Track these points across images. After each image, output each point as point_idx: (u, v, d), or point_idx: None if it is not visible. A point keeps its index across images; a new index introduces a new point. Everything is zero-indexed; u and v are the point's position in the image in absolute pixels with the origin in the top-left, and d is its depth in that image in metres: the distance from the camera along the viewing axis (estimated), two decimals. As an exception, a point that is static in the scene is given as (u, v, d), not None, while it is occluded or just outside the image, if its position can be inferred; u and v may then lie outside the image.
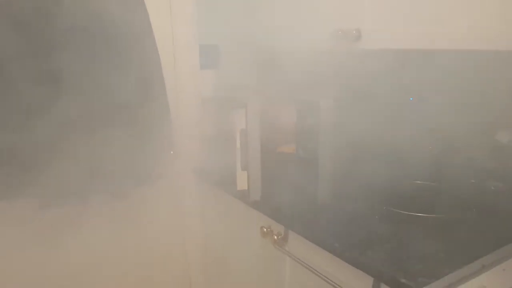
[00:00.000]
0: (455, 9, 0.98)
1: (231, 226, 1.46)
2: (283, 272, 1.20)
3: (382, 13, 1.14)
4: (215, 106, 1.55)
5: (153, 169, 1.51)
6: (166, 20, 1.55)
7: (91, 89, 1.33)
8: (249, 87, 1.40)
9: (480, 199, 1.10)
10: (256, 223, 1.25)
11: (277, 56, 1.38)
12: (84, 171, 1.35)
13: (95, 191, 1.41)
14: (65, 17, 1.24)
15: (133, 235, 1.57)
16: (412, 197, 1.16)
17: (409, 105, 1.25)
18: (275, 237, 1.18)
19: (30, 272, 1.39)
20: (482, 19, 0.94)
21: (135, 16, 1.39)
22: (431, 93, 1.23)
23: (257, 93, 1.34)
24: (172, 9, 1.56)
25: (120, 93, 1.36)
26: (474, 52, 1.06)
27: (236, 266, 1.45)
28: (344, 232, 1.03)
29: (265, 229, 1.21)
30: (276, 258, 1.21)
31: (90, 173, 1.35)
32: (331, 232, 1.04)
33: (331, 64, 1.27)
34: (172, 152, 1.55)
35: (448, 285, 0.83)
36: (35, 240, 1.38)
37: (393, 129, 1.23)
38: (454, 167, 1.19)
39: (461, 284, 0.84)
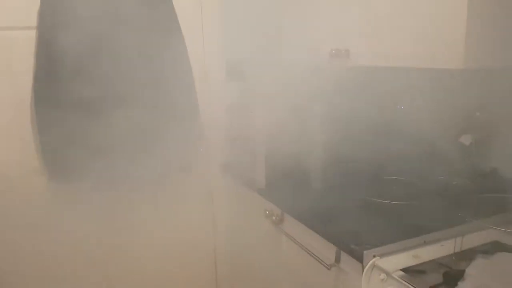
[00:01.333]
0: (423, 33, 1.20)
1: (246, 210, 1.76)
2: (281, 246, 1.48)
3: (366, 37, 1.38)
4: (237, 111, 1.86)
5: (186, 162, 1.85)
6: (199, 39, 1.89)
7: (139, 96, 1.69)
8: (262, 96, 1.70)
9: (441, 191, 1.31)
10: (262, 207, 1.54)
11: (286, 69, 1.67)
12: (131, 163, 1.71)
13: (139, 180, 1.77)
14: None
15: (170, 217, 1.92)
16: (387, 189, 1.40)
17: (390, 113, 1.48)
18: (274, 218, 1.47)
19: (84, 243, 1.77)
20: (447, 41, 1.14)
21: (172, 40, 1.74)
22: (407, 104, 1.46)
23: (266, 101, 1.63)
24: (204, 31, 1.91)
25: (160, 101, 1.71)
26: (444, 71, 1.26)
27: (250, 242, 1.75)
28: (326, 214, 1.30)
29: (267, 212, 1.50)
30: (275, 235, 1.50)
31: (136, 165, 1.71)
32: (315, 214, 1.31)
33: (326, 77, 1.53)
34: (201, 149, 1.89)
35: (388, 252, 1.07)
36: (90, 217, 1.75)
37: (377, 134, 1.47)
38: (427, 165, 1.41)
39: (399, 253, 1.07)
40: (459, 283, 0.84)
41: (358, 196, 1.37)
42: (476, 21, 1.04)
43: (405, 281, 0.95)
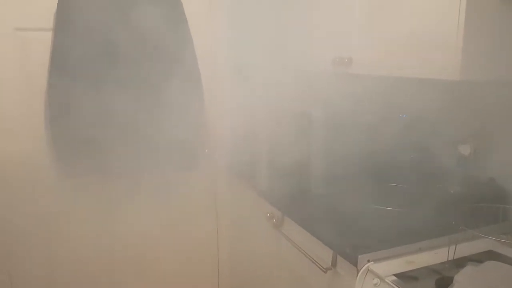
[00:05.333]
0: (422, 44, 1.22)
1: (249, 211, 1.80)
2: (280, 248, 1.52)
3: (368, 46, 1.41)
4: (242, 113, 1.89)
5: (191, 162, 1.89)
6: (208, 42, 1.93)
7: (147, 94, 1.74)
8: (266, 99, 1.73)
9: (439, 199, 1.33)
10: (263, 210, 1.58)
11: (290, 75, 1.70)
12: (138, 161, 1.76)
13: (148, 174, 1.82)
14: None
15: (174, 216, 1.96)
16: (386, 196, 1.42)
17: (392, 121, 1.50)
18: (274, 220, 1.50)
19: (95, 229, 1.84)
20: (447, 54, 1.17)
21: (181, 40, 1.78)
22: (408, 114, 1.49)
23: (271, 105, 1.67)
24: (214, 34, 1.95)
25: (168, 99, 1.75)
26: (443, 81, 1.27)
27: (252, 244, 1.79)
28: (324, 218, 1.33)
29: (268, 214, 1.54)
30: (275, 237, 1.53)
31: (143, 162, 1.76)
32: (314, 218, 1.34)
33: (330, 84, 1.56)
34: (207, 151, 1.93)
35: (383, 257, 1.09)
36: (100, 208, 1.83)
37: (378, 141, 1.50)
38: (426, 174, 1.43)
39: (394, 258, 1.10)
40: (448, 289, 0.87)
41: (357, 202, 1.40)
42: (473, 34, 1.06)
43: (397, 286, 0.98)
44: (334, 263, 1.20)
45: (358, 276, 1.07)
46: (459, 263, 1.07)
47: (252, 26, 1.92)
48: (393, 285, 0.98)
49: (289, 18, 1.77)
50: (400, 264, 1.08)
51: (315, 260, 1.25)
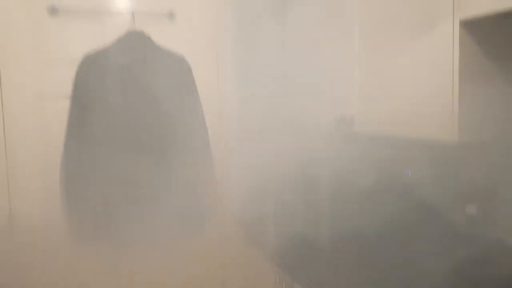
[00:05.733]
0: (421, 107, 1.27)
1: (256, 276, 1.78)
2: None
3: (369, 107, 1.46)
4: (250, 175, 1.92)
5: (199, 222, 1.90)
6: (216, 108, 2.02)
7: (159, 161, 1.79)
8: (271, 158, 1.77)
9: (447, 264, 1.31)
10: (272, 275, 1.56)
11: (296, 135, 1.75)
12: (152, 224, 1.79)
13: (158, 238, 1.83)
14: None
15: (180, 276, 1.94)
16: (393, 259, 1.41)
17: (395, 182, 1.52)
18: (284, 286, 1.48)
19: None
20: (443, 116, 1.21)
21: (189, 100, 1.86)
22: (411, 174, 1.51)
23: (276, 166, 1.71)
24: (222, 96, 2.04)
25: (178, 160, 1.80)
26: (442, 142, 1.30)
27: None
28: (334, 285, 1.31)
29: (277, 279, 1.52)
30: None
31: (156, 226, 1.79)
32: (324, 285, 1.32)
33: (331, 143, 1.61)
34: (217, 208, 1.95)
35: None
36: (109, 270, 1.83)
37: (382, 202, 1.51)
38: (432, 236, 1.42)
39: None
40: None
41: (367, 267, 1.38)
42: (468, 96, 1.12)
43: None
44: (344, 336, 1.17)
45: None
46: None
47: (257, 88, 2.00)
48: None
49: (294, 80, 1.85)
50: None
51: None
